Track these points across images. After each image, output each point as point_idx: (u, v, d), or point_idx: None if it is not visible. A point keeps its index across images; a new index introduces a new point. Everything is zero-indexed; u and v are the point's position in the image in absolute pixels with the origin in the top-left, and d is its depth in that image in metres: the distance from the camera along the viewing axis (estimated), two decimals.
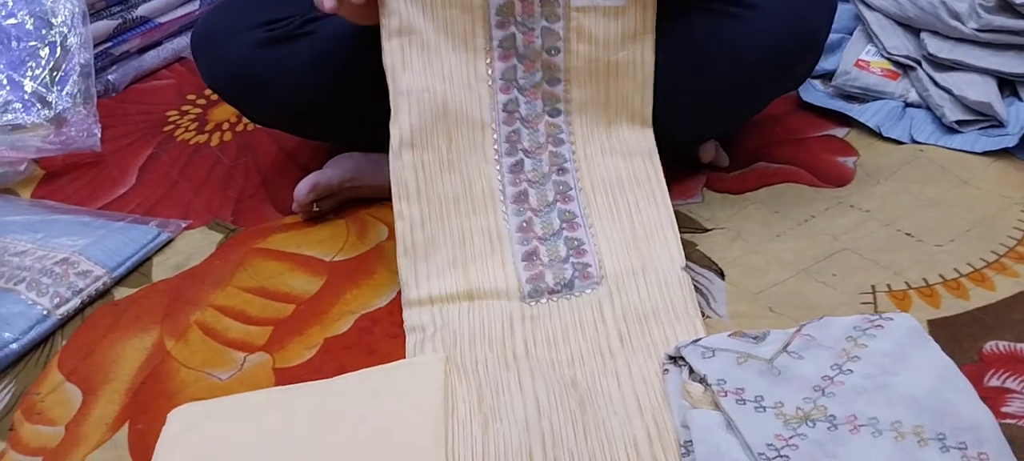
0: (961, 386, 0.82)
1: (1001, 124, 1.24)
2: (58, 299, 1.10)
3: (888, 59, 1.36)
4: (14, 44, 1.54)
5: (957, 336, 0.94)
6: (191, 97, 1.63)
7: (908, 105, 1.32)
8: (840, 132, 1.31)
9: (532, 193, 1.09)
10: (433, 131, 1.07)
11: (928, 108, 1.30)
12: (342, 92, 1.17)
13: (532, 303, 1.01)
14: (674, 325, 0.97)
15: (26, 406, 0.99)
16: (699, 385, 0.86)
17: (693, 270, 1.06)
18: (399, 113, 1.06)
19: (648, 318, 0.98)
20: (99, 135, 1.47)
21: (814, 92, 1.37)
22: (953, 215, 1.11)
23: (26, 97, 1.51)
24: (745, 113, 1.24)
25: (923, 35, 1.34)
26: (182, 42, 1.78)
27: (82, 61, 1.54)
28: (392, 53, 1.06)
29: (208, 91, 1.60)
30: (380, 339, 1.02)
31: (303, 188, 1.20)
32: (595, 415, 0.87)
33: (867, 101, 1.34)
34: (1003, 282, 1.01)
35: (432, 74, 1.07)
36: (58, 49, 1.54)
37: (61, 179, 1.44)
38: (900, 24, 1.38)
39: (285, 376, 0.99)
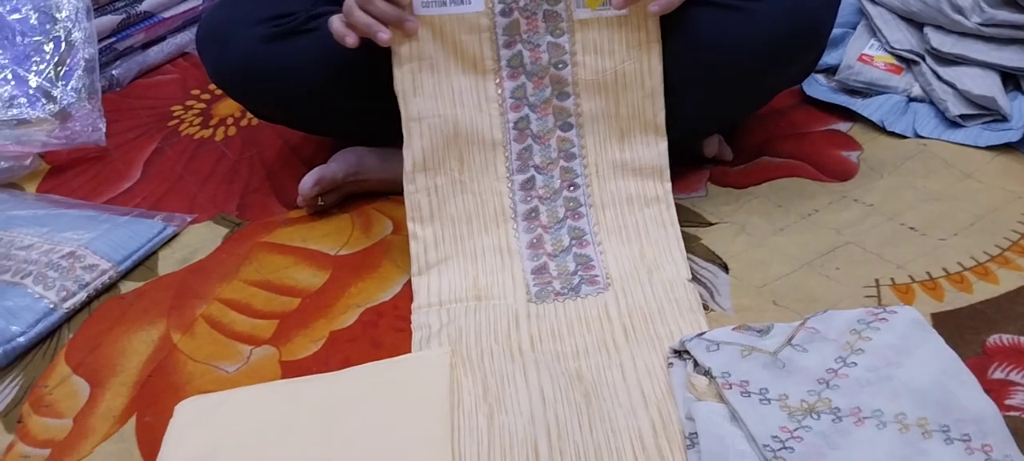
0: (965, 379, 0.82)
1: (1004, 118, 1.25)
2: (65, 293, 1.11)
3: (892, 53, 1.36)
4: (19, 39, 1.54)
5: (960, 329, 0.94)
6: (195, 92, 1.64)
7: (911, 99, 1.32)
8: (844, 126, 1.31)
9: (543, 210, 1.10)
10: (445, 154, 1.09)
11: (931, 102, 1.31)
12: (346, 88, 1.17)
13: (538, 303, 1.02)
14: (678, 320, 0.97)
15: (34, 399, 0.99)
16: (704, 378, 0.86)
17: (696, 263, 1.07)
18: (411, 138, 1.08)
19: (653, 314, 0.99)
20: (104, 130, 1.47)
21: (818, 86, 1.37)
22: (956, 209, 1.12)
23: (31, 92, 1.51)
24: (749, 107, 1.24)
25: (926, 29, 1.34)
26: (186, 37, 1.79)
27: (87, 56, 1.54)
28: (403, 80, 1.08)
29: (212, 86, 1.60)
30: (385, 332, 1.03)
31: (308, 182, 1.20)
32: (600, 407, 0.87)
33: (871, 95, 1.34)
34: (1006, 275, 1.01)
35: (443, 98, 1.09)
36: (63, 44, 1.54)
37: (66, 173, 1.44)
38: (904, 18, 1.38)
39: (291, 369, 0.99)
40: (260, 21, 1.16)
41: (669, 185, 1.10)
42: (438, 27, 1.07)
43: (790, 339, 0.88)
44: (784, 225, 1.12)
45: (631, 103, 1.10)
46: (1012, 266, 1.02)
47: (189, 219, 1.27)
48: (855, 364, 0.85)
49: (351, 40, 1.04)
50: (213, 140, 1.48)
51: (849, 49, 1.38)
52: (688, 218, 1.14)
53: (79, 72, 1.53)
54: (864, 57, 1.36)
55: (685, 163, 1.21)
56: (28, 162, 1.44)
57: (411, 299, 1.05)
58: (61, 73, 1.53)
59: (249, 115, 1.49)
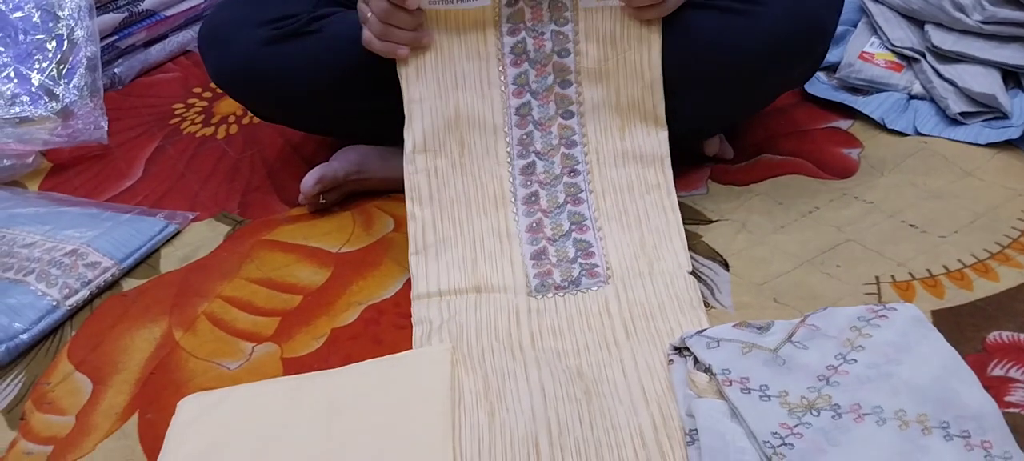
0: (964, 375, 0.82)
1: (1005, 116, 1.25)
2: (67, 290, 1.11)
3: (892, 51, 1.36)
4: (21, 37, 1.54)
5: (961, 326, 0.94)
6: (197, 90, 1.64)
7: (912, 97, 1.33)
8: (844, 124, 1.31)
9: (543, 195, 1.10)
10: (446, 137, 1.09)
11: (932, 100, 1.31)
12: (348, 89, 1.18)
13: (539, 297, 1.02)
14: (679, 317, 0.97)
15: (36, 396, 1.00)
16: (704, 375, 0.86)
17: (697, 261, 1.07)
18: (412, 120, 1.09)
19: (653, 311, 0.99)
20: (106, 128, 1.48)
21: (818, 84, 1.38)
22: (957, 206, 1.12)
23: (33, 90, 1.52)
24: (751, 108, 1.24)
25: (927, 27, 1.34)
26: (188, 35, 1.79)
27: (89, 54, 1.54)
28: (406, 63, 1.09)
29: (214, 84, 1.60)
30: (386, 329, 1.03)
31: (309, 181, 1.21)
32: (601, 404, 0.87)
33: (871, 93, 1.34)
34: (1007, 273, 1.01)
35: (445, 82, 1.09)
36: (65, 42, 1.54)
37: (68, 172, 1.44)
38: (904, 16, 1.38)
39: (293, 366, 0.99)
40: (261, 23, 1.16)
41: (670, 172, 1.11)
42: (442, 14, 1.08)
43: (790, 336, 0.88)
44: (785, 222, 1.12)
45: (631, 93, 1.10)
46: (1012, 263, 1.02)
47: (191, 217, 1.27)
48: (855, 361, 0.85)
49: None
50: (214, 138, 1.48)
51: (850, 47, 1.38)
52: (689, 216, 1.14)
53: (81, 70, 1.53)
54: (865, 55, 1.36)
55: (686, 161, 1.21)
56: (30, 160, 1.44)
57: (412, 296, 1.05)
58: (63, 71, 1.53)
59: (250, 113, 1.49)
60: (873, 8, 1.41)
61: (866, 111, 1.31)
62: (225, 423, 0.89)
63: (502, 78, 1.11)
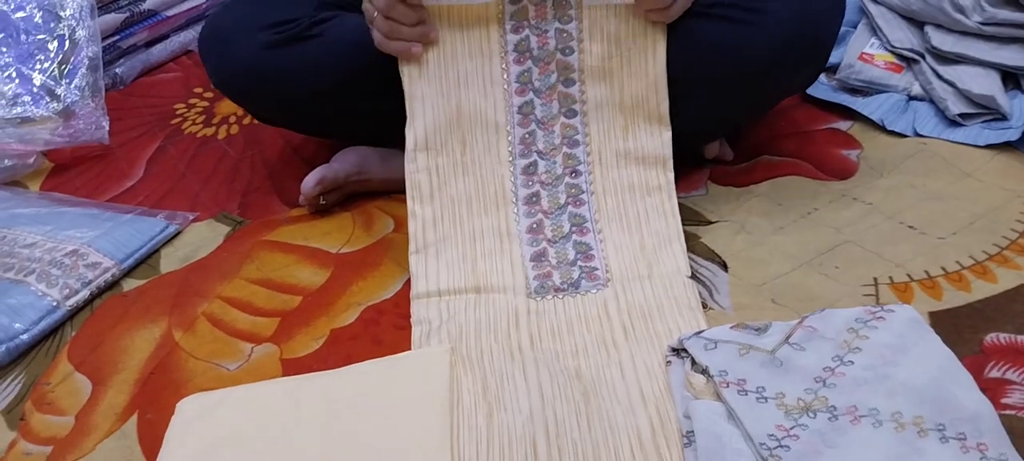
0: (961, 377, 0.83)
1: (1004, 117, 1.25)
2: (67, 290, 1.11)
3: (892, 52, 1.36)
4: (23, 37, 1.55)
5: (958, 328, 0.94)
6: (198, 90, 1.65)
7: (912, 98, 1.33)
8: (844, 125, 1.32)
9: (544, 195, 1.10)
10: (448, 135, 1.10)
11: (931, 101, 1.31)
12: (349, 92, 1.18)
13: (538, 299, 1.02)
14: (677, 319, 0.98)
15: (36, 396, 1.00)
16: (701, 376, 0.87)
17: (696, 262, 1.07)
18: (414, 117, 1.09)
19: (652, 313, 0.99)
20: (107, 128, 1.48)
21: (818, 85, 1.37)
22: (956, 208, 1.12)
23: (35, 90, 1.52)
24: (753, 114, 1.25)
25: (927, 28, 1.34)
26: (189, 35, 1.79)
27: (90, 54, 1.55)
28: (409, 60, 1.09)
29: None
30: (386, 330, 1.03)
31: (310, 182, 1.21)
32: (599, 406, 0.88)
33: (871, 94, 1.34)
34: (1005, 274, 1.01)
35: (447, 79, 1.10)
36: (66, 42, 1.55)
37: (69, 172, 1.45)
38: (904, 17, 1.38)
39: (292, 367, 1.00)
40: (262, 27, 1.16)
41: (672, 175, 1.11)
42: (445, 11, 1.08)
43: (788, 337, 0.88)
44: (784, 224, 1.13)
45: (635, 92, 1.10)
46: (1011, 265, 1.02)
47: (191, 217, 1.27)
48: (852, 363, 0.85)
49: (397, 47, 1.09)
50: (215, 139, 1.49)
51: (850, 48, 1.38)
52: (688, 216, 1.14)
53: (83, 70, 1.54)
54: (864, 56, 1.36)
55: (686, 162, 1.21)
56: (31, 160, 1.45)
57: (411, 295, 1.05)
58: (65, 71, 1.54)
59: None
60: (873, 9, 1.41)
61: (865, 112, 1.31)
62: (224, 424, 0.90)
63: (505, 76, 1.11)
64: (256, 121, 1.48)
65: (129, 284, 1.16)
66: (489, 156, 1.11)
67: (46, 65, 1.54)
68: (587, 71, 1.11)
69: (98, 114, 1.50)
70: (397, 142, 1.13)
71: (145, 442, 0.92)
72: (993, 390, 0.85)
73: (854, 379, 0.83)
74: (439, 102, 1.10)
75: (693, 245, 1.09)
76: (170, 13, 1.76)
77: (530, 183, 1.11)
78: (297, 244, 1.20)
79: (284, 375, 0.99)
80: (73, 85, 1.53)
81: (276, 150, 1.42)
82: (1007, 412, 0.84)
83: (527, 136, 1.12)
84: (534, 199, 1.10)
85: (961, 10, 1.29)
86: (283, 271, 1.15)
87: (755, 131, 1.30)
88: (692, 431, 0.81)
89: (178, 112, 1.59)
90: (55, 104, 1.51)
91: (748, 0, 1.08)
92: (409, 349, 0.98)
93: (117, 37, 1.68)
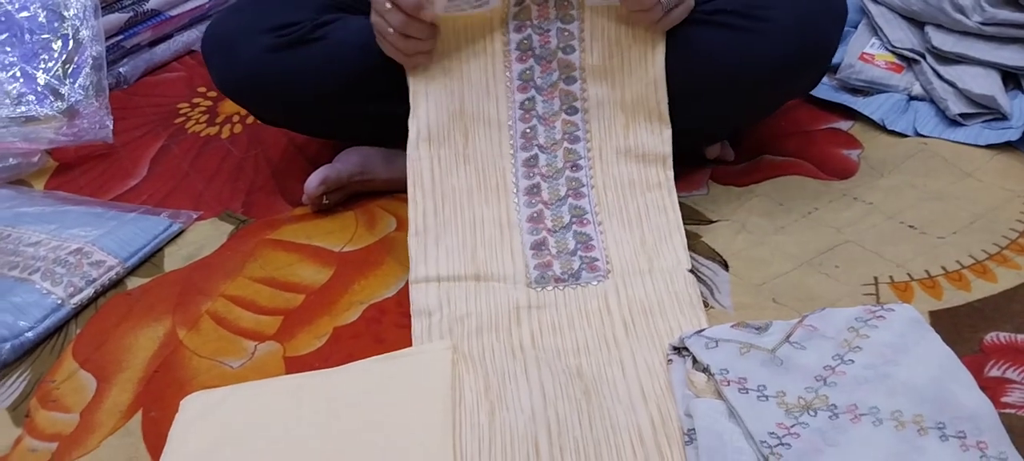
0: (961, 376, 0.83)
1: (1004, 117, 1.25)
2: (72, 288, 1.12)
3: (892, 52, 1.37)
4: (27, 37, 1.55)
5: (958, 327, 0.95)
6: (201, 90, 1.65)
7: (912, 98, 1.33)
8: (844, 125, 1.32)
9: (544, 187, 1.11)
10: (450, 128, 1.11)
11: (932, 101, 1.31)
12: (353, 95, 1.18)
13: (538, 289, 1.03)
14: (678, 317, 0.98)
15: (42, 393, 1.01)
16: (702, 375, 0.87)
17: (697, 261, 1.08)
18: (417, 110, 1.10)
19: (653, 310, 0.99)
20: (111, 127, 1.48)
21: (819, 85, 1.37)
22: (956, 207, 1.12)
23: (39, 89, 1.52)
24: (755, 118, 1.26)
25: (927, 29, 1.34)
26: (192, 35, 1.80)
27: (94, 54, 1.55)
28: None
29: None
30: (388, 328, 1.04)
31: (313, 181, 1.21)
32: (600, 404, 0.88)
33: (871, 94, 1.35)
34: (1004, 274, 1.02)
35: (451, 75, 1.11)
36: (70, 42, 1.55)
37: (73, 171, 1.45)
38: (905, 17, 1.39)
39: (295, 365, 1.00)
40: (265, 31, 1.16)
41: (671, 173, 1.11)
42: (449, 7, 1.09)
43: (788, 336, 0.89)
44: (784, 223, 1.13)
45: (635, 90, 1.11)
46: (1010, 265, 1.03)
47: (195, 216, 1.28)
48: (853, 362, 0.85)
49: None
50: (219, 138, 1.49)
51: (850, 48, 1.39)
52: (689, 216, 1.14)
53: (86, 70, 1.54)
54: (865, 56, 1.37)
55: (687, 161, 1.21)
56: (36, 159, 1.45)
57: (410, 280, 1.05)
58: (69, 71, 1.54)
59: None
60: (873, 9, 1.41)
61: (866, 112, 1.31)
62: (228, 421, 0.90)
63: (507, 73, 1.12)
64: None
65: (133, 282, 1.17)
66: (491, 149, 1.12)
67: (50, 64, 1.54)
68: (588, 69, 1.12)
69: (102, 113, 1.50)
70: (400, 143, 1.14)
71: (149, 439, 0.93)
72: (993, 389, 0.86)
73: (854, 378, 0.84)
74: (442, 97, 1.11)
75: (694, 244, 1.10)
76: (173, 13, 1.76)
77: (531, 175, 1.11)
78: (300, 243, 1.20)
79: (287, 373, 0.99)
80: (77, 84, 1.53)
81: (279, 149, 1.42)
82: (1007, 411, 0.84)
83: (528, 131, 1.12)
84: (535, 190, 1.11)
85: (961, 10, 1.30)
86: (286, 270, 1.15)
87: (756, 131, 1.31)
88: (693, 429, 0.82)
89: (181, 111, 1.59)
90: (59, 103, 1.52)
91: (750, 8, 1.09)
92: (411, 345, 0.99)
93: (121, 37, 1.68)
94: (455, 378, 0.90)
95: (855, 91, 1.37)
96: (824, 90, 1.37)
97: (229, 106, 1.56)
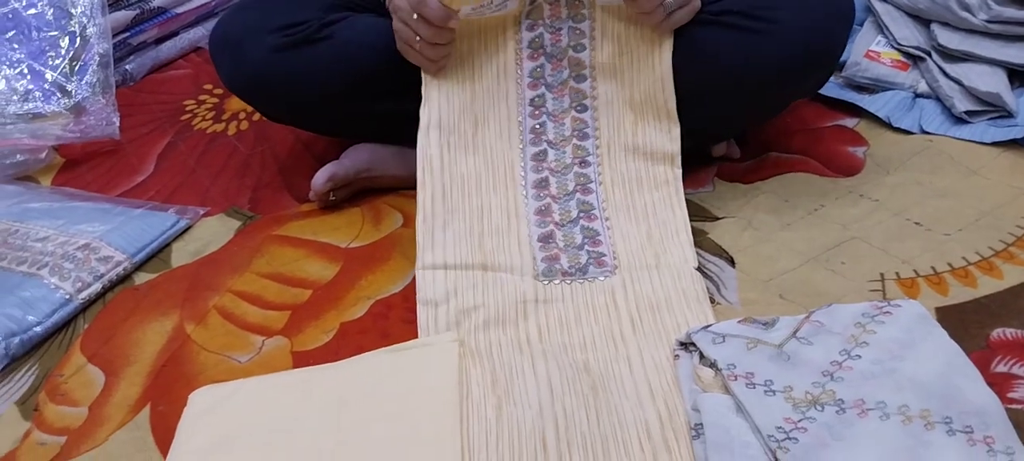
0: (968, 372, 0.83)
1: (1010, 115, 1.25)
2: (80, 284, 1.12)
3: (898, 50, 1.37)
4: (34, 34, 1.56)
5: (965, 323, 0.95)
6: (208, 87, 1.65)
7: (918, 96, 1.33)
8: (850, 122, 1.32)
9: (553, 181, 1.11)
10: (461, 118, 1.12)
11: (938, 99, 1.31)
12: (360, 94, 1.18)
13: (545, 283, 1.03)
14: (685, 313, 0.98)
15: (50, 387, 1.01)
16: (710, 370, 0.87)
17: (703, 257, 1.08)
18: (429, 100, 1.11)
19: (660, 306, 0.99)
20: (118, 124, 1.49)
21: None
22: (962, 205, 1.13)
23: (46, 86, 1.53)
24: (762, 118, 1.26)
25: (933, 26, 1.34)
26: (199, 32, 1.80)
27: (101, 51, 1.55)
28: None
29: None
30: (395, 323, 1.04)
31: (320, 178, 1.22)
32: (607, 399, 0.88)
33: (877, 92, 1.35)
34: (1011, 271, 1.02)
35: (463, 72, 1.12)
36: (78, 39, 1.56)
37: (80, 167, 1.46)
38: (910, 15, 1.39)
39: (302, 359, 1.01)
40: (272, 30, 1.16)
41: (679, 171, 1.12)
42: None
43: (795, 332, 0.89)
44: (791, 220, 1.13)
45: (644, 89, 1.11)
46: (1016, 261, 1.03)
47: (202, 212, 1.28)
48: (859, 357, 0.86)
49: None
50: (225, 134, 1.49)
51: (856, 45, 1.39)
52: (695, 213, 1.15)
53: (93, 67, 1.55)
54: (871, 53, 1.37)
55: (693, 159, 1.21)
56: (43, 155, 1.45)
57: (417, 267, 1.05)
58: (76, 68, 1.54)
59: None
60: (879, 7, 1.41)
61: (872, 109, 1.31)
62: (236, 415, 0.90)
63: (518, 70, 1.13)
64: None
65: (141, 278, 1.17)
66: (500, 141, 1.13)
67: (57, 62, 1.55)
68: (598, 68, 1.12)
69: (108, 110, 1.51)
70: (407, 140, 1.14)
71: (158, 433, 0.93)
72: (999, 385, 0.86)
73: (861, 373, 0.84)
74: (454, 91, 1.12)
75: (701, 241, 1.10)
76: (180, 10, 1.77)
77: (540, 169, 1.12)
78: (307, 239, 1.20)
79: (295, 367, 0.99)
80: (84, 81, 1.54)
81: (286, 146, 1.43)
82: (1014, 406, 0.84)
83: (538, 127, 1.13)
84: (543, 184, 1.11)
85: (967, 8, 1.30)
86: (293, 265, 1.16)
87: (762, 128, 1.31)
88: (701, 424, 0.82)
89: (188, 108, 1.59)
90: (66, 100, 1.52)
91: (757, 9, 1.09)
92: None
93: (127, 34, 1.69)
94: (462, 372, 0.91)
95: (861, 88, 1.37)
96: (830, 88, 1.37)
97: (236, 103, 1.57)
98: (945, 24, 1.33)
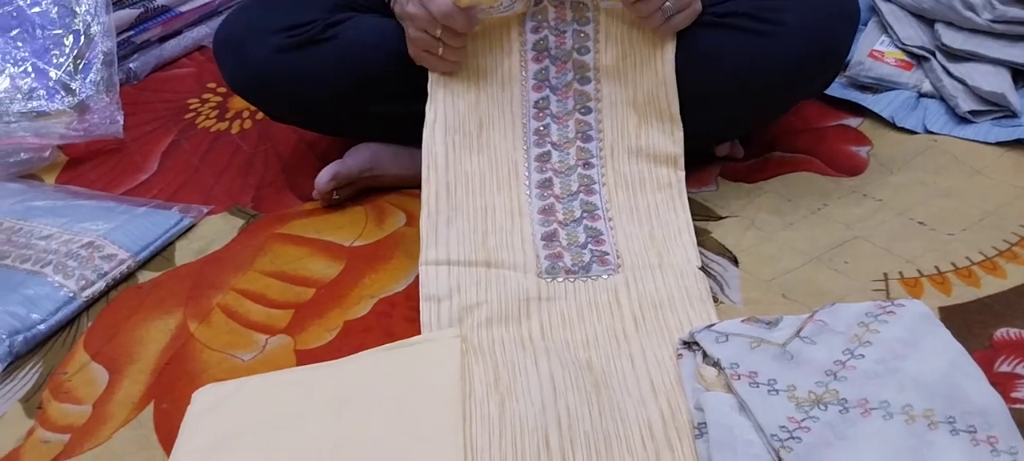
0: (971, 371, 0.83)
1: (1014, 114, 1.25)
2: (84, 282, 1.13)
3: (902, 49, 1.37)
4: (39, 32, 1.56)
5: (968, 323, 0.95)
6: (211, 85, 1.65)
7: (922, 95, 1.33)
8: (854, 122, 1.32)
9: (557, 182, 1.11)
10: (466, 118, 1.12)
11: (941, 98, 1.31)
12: (364, 95, 1.18)
13: (548, 280, 1.03)
14: (688, 311, 0.98)
15: (54, 385, 1.01)
16: (713, 369, 0.87)
17: (707, 256, 1.08)
18: (435, 100, 1.12)
19: (663, 305, 0.99)
20: (121, 122, 1.49)
21: None
22: (966, 204, 1.12)
23: (50, 85, 1.53)
24: (767, 120, 1.26)
25: (937, 26, 1.34)
26: (203, 31, 1.80)
27: (105, 49, 1.56)
28: None
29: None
30: (398, 322, 1.04)
31: (324, 177, 1.22)
32: (610, 397, 0.88)
33: (881, 91, 1.35)
34: (1014, 270, 1.02)
35: (469, 73, 1.12)
36: (82, 37, 1.56)
37: (84, 165, 1.46)
38: (914, 15, 1.39)
39: (306, 357, 1.01)
40: (276, 30, 1.16)
41: (682, 173, 1.12)
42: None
43: (798, 331, 0.89)
44: (794, 220, 1.13)
45: (648, 91, 1.11)
46: (1020, 261, 1.03)
47: (205, 210, 1.28)
48: (863, 356, 0.86)
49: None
50: (229, 133, 1.50)
51: (860, 45, 1.39)
52: (699, 212, 1.15)
53: (97, 65, 1.55)
54: (875, 53, 1.37)
55: (696, 158, 1.21)
56: (47, 154, 1.46)
57: (420, 262, 1.05)
58: (80, 66, 1.55)
59: None
60: (883, 7, 1.41)
61: (876, 109, 1.31)
62: (239, 413, 0.91)
63: (523, 73, 1.13)
64: None
65: (144, 276, 1.17)
66: (504, 141, 1.13)
67: (61, 60, 1.55)
68: (602, 70, 1.13)
69: (112, 108, 1.51)
70: (410, 140, 1.14)
71: (161, 431, 0.93)
72: (1003, 384, 0.86)
73: (865, 372, 0.84)
74: (459, 91, 1.12)
75: (704, 240, 1.10)
76: (183, 9, 1.77)
77: (543, 169, 1.12)
78: (310, 237, 1.20)
79: (298, 366, 0.99)
80: (88, 80, 1.54)
81: (289, 145, 1.43)
82: (1017, 406, 0.84)
83: (542, 128, 1.13)
84: (547, 184, 1.12)
85: (971, 8, 1.30)
86: (297, 264, 1.16)
87: (766, 128, 1.31)
88: (704, 423, 0.82)
89: (192, 107, 1.60)
90: (70, 98, 1.52)
91: (762, 11, 1.09)
92: None
93: (131, 32, 1.69)
94: (465, 369, 0.91)
95: (865, 88, 1.37)
96: (834, 87, 1.37)
97: (239, 102, 1.57)
98: (949, 24, 1.33)
